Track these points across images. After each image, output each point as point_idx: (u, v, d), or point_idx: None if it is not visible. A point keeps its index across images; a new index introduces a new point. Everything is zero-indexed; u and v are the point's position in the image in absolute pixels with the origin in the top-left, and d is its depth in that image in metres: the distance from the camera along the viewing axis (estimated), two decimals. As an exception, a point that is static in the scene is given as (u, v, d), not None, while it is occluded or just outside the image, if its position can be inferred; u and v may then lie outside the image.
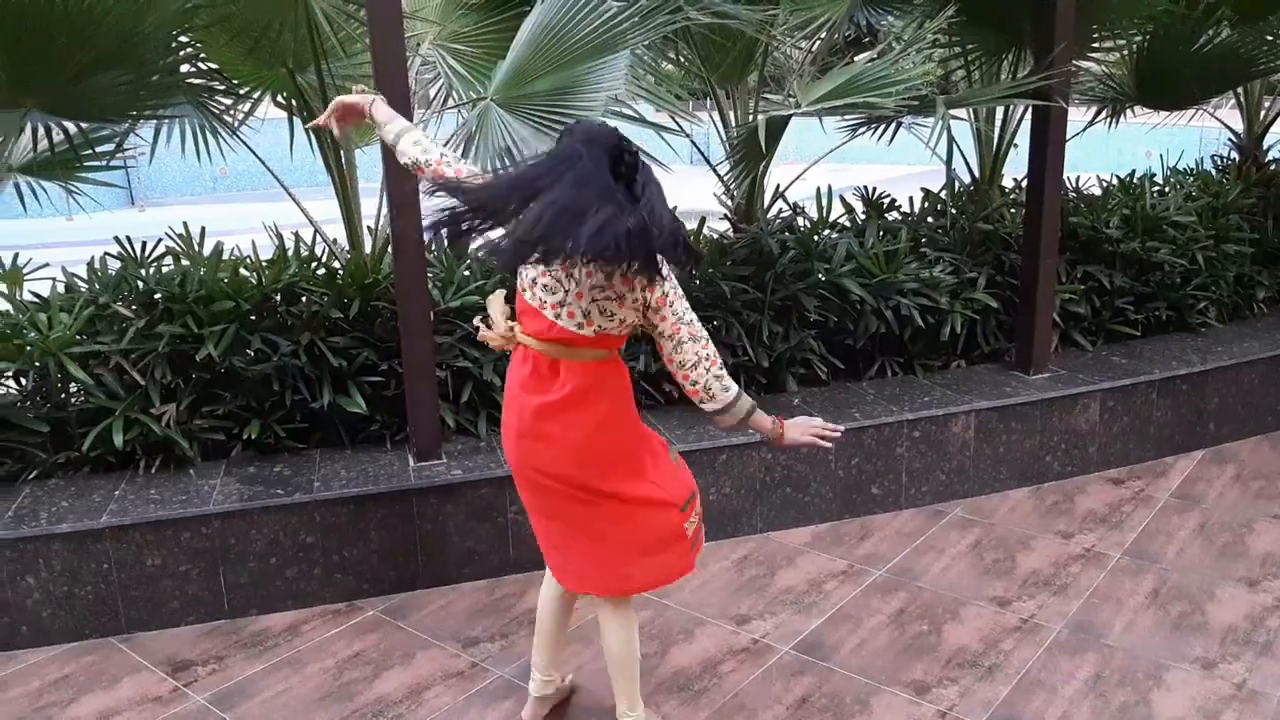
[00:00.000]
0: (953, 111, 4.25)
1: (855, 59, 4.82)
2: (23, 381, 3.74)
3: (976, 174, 5.29)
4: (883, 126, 5.04)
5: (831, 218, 4.92)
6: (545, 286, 2.47)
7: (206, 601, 3.53)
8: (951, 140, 4.97)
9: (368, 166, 4.59)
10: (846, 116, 4.68)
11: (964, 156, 5.24)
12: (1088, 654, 3.29)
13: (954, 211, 5.11)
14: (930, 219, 5.14)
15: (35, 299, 3.85)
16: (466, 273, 4.17)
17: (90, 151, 3.96)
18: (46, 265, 4.06)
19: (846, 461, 4.16)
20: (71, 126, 3.87)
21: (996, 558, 3.92)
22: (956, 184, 5.33)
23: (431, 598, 3.68)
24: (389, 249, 4.12)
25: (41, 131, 3.95)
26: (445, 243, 2.66)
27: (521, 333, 2.55)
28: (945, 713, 3.01)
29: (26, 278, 4.02)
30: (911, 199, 5.24)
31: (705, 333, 2.51)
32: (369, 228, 4.31)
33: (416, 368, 3.73)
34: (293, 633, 3.47)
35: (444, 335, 3.95)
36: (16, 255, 4.09)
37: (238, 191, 15.93)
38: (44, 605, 3.40)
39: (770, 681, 3.17)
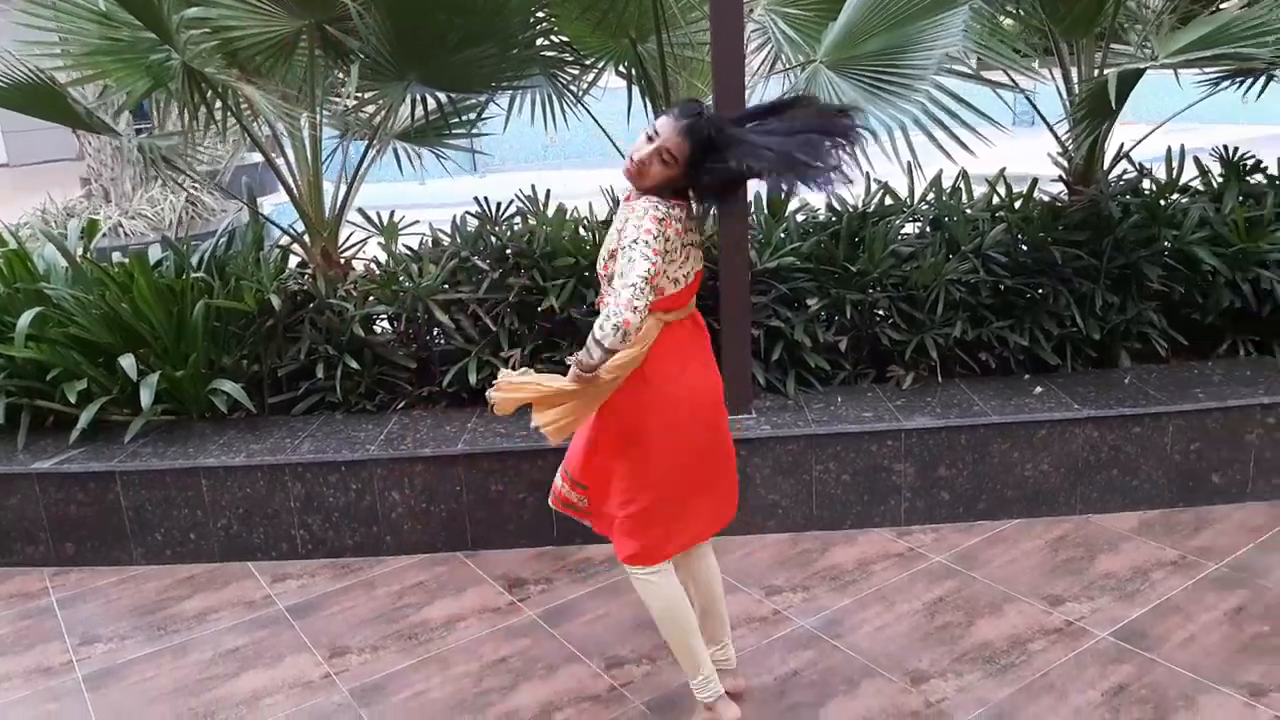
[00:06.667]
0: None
1: (1223, 6, 4.37)
2: (395, 324, 4.27)
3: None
4: (1249, 81, 4.55)
5: (1182, 181, 4.51)
6: (695, 243, 2.63)
7: (538, 528, 3.89)
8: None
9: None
10: (1207, 70, 4.28)
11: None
12: None
13: (1332, 175, 4.52)
14: (1302, 183, 4.58)
15: (408, 251, 4.37)
16: (783, 235, 4.25)
17: (457, 120, 4.42)
18: (417, 222, 4.58)
19: (1185, 445, 3.85)
20: (443, 97, 4.34)
21: (1362, 565, 3.50)
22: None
23: (736, 544, 3.84)
24: (711, 212, 4.28)
25: (417, 102, 4.46)
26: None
27: (674, 312, 2.62)
28: (1289, 722, 2.77)
29: (400, 233, 4.56)
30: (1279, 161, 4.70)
31: None
32: (693, 191, 4.49)
33: (733, 325, 3.86)
34: (612, 563, 3.75)
35: (759, 295, 4.06)
36: (392, 213, 4.65)
37: (564, 159, 16.93)
38: (405, 519, 3.90)
39: (1084, 665, 3.04)
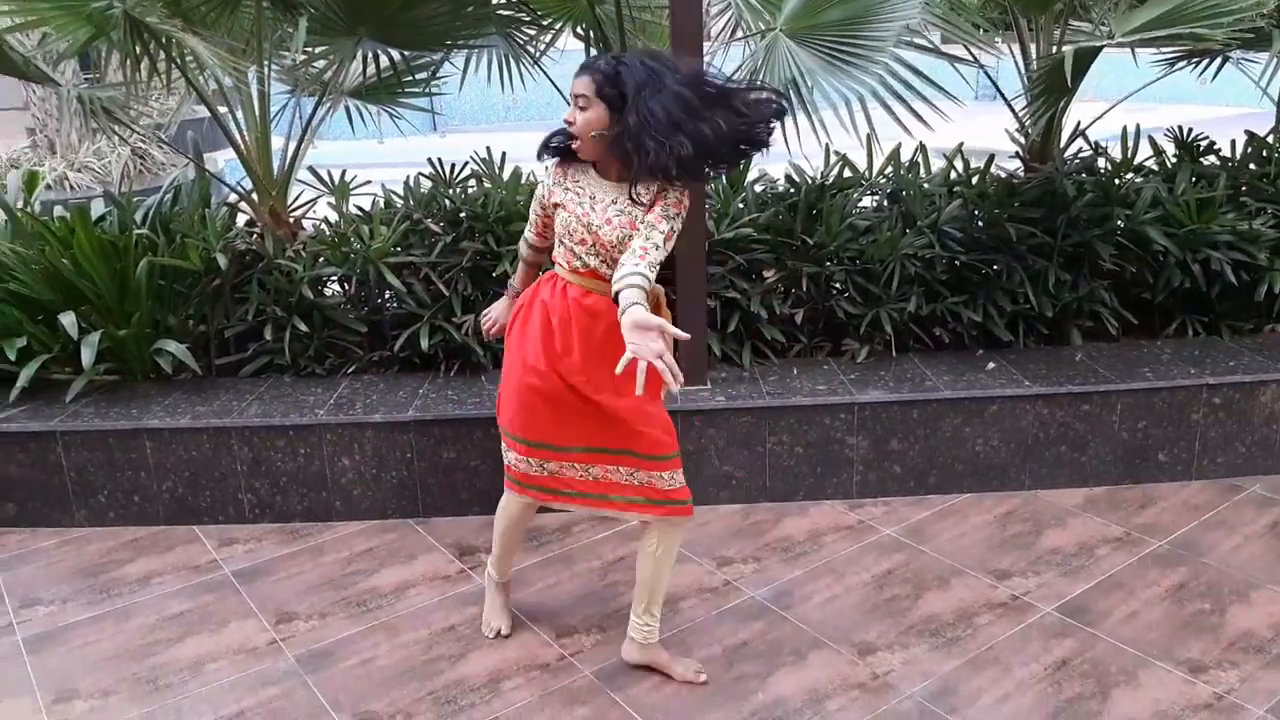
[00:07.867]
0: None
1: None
2: (346, 286, 4.20)
3: (1316, 117, 4.70)
4: (1206, 62, 4.59)
5: (1137, 160, 4.55)
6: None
7: (491, 495, 3.83)
8: (1289, 78, 4.44)
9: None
10: (1164, 50, 4.30)
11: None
12: (1402, 657, 2.96)
13: (1282, 158, 4.59)
14: (1254, 166, 4.63)
15: (359, 212, 4.29)
16: (741, 205, 4.22)
17: (410, 78, 4.32)
18: (369, 182, 4.49)
19: (1132, 424, 3.91)
20: (395, 55, 4.24)
21: (1299, 542, 3.58)
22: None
23: (691, 516, 3.83)
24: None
25: (369, 59, 4.35)
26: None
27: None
28: (1222, 695, 2.83)
29: (352, 193, 4.46)
30: (1234, 143, 4.74)
31: None
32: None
33: (689, 296, 3.84)
34: (564, 533, 3.74)
35: (715, 265, 4.04)
36: (344, 172, 4.55)
37: (526, 121, 16.74)
38: (355, 485, 3.85)
39: (1028, 639, 3.09)
